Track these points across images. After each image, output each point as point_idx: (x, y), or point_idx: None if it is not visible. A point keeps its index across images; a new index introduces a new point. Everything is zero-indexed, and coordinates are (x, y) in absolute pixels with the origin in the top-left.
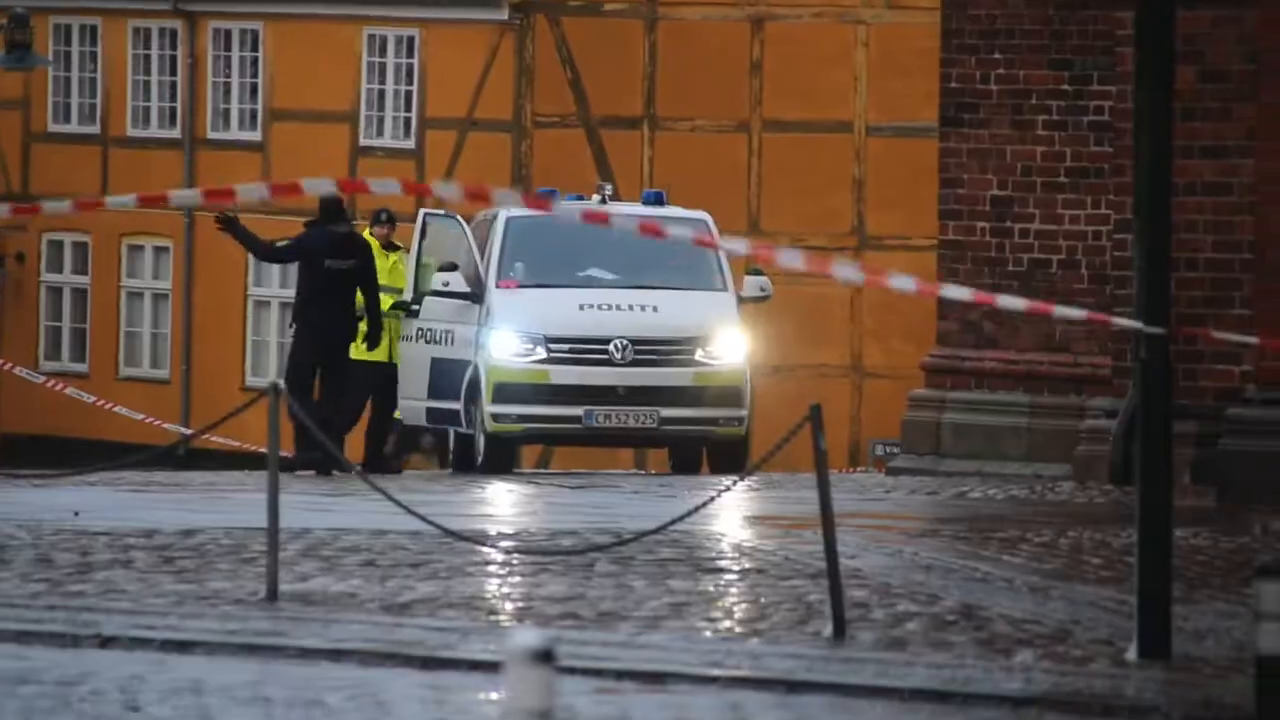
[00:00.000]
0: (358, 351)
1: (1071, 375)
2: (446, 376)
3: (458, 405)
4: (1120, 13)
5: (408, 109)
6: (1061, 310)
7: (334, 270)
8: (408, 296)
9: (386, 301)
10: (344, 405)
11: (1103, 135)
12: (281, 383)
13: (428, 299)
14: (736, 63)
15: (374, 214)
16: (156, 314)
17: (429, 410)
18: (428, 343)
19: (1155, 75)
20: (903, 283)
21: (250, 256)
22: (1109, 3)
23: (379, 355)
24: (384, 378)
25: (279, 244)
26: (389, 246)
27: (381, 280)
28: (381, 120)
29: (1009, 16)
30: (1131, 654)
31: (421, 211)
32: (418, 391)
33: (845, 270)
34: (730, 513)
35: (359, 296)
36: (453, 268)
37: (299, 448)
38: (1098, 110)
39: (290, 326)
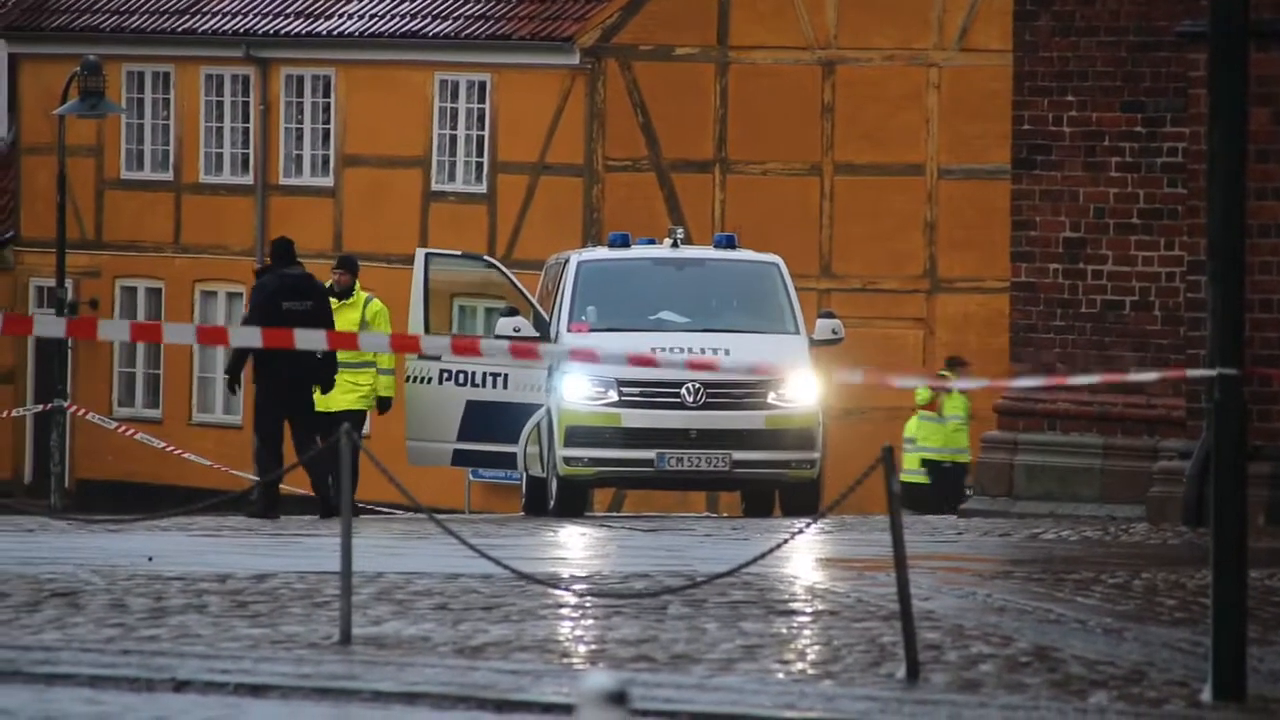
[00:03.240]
0: (321, 402)
1: (1145, 416)
2: (492, 419)
3: (513, 448)
4: (1193, 54)
5: (480, 154)
6: (1136, 375)
7: (292, 312)
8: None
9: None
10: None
11: (1176, 177)
12: (346, 428)
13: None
14: (808, 106)
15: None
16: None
17: (457, 453)
18: (459, 385)
19: (1228, 117)
20: (967, 384)
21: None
22: (1182, 44)
23: (357, 404)
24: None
25: (247, 322)
26: (345, 294)
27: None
28: (453, 165)
29: (1081, 58)
30: (1206, 695)
31: (422, 251)
32: (438, 434)
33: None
34: (803, 555)
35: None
36: (513, 312)
37: (261, 492)
38: (1171, 152)
39: (224, 377)
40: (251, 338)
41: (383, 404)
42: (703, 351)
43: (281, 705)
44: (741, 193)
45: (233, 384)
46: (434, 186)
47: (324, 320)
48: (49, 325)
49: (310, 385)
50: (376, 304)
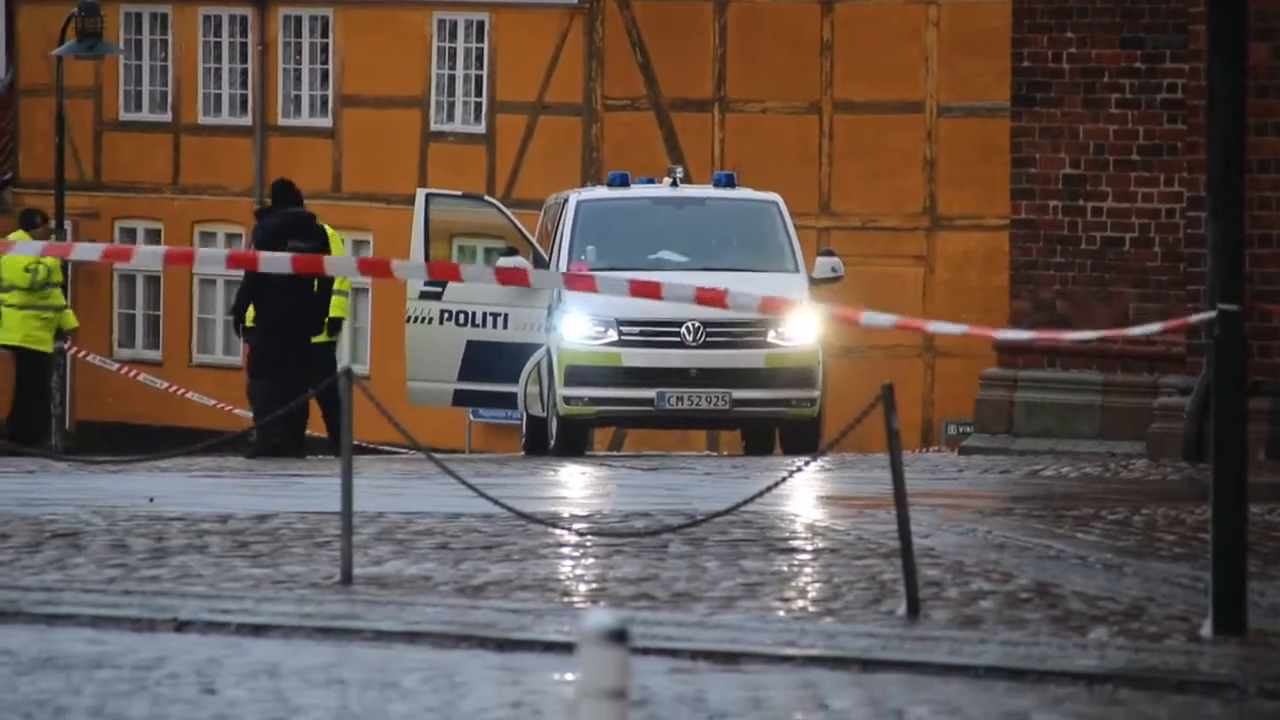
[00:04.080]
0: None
1: (1145, 353)
2: (492, 359)
3: (513, 388)
4: None
5: (478, 94)
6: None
7: (296, 251)
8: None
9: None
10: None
11: (1175, 113)
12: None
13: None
14: (807, 44)
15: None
16: (229, 300)
17: (458, 393)
18: (459, 325)
19: (1228, 52)
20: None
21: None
22: None
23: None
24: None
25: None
26: None
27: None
28: (452, 105)
29: None
30: (1206, 630)
31: (422, 192)
32: (439, 374)
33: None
34: (803, 493)
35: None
36: (513, 252)
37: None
38: (1170, 88)
39: (227, 318)
40: (281, 264)
41: (334, 326)
42: None
43: (283, 645)
44: (741, 131)
45: (238, 326)
46: (433, 127)
47: None
48: (85, 251)
49: (307, 327)
50: (329, 229)
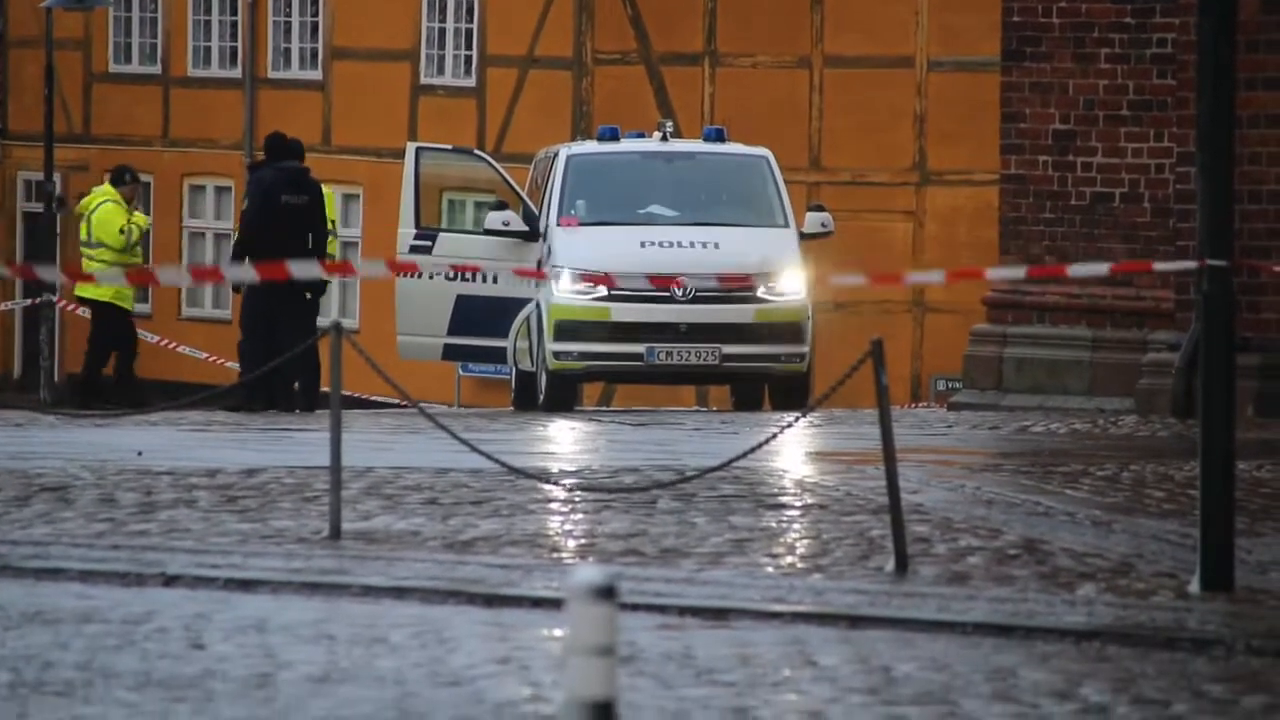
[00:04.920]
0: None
1: (1134, 309)
2: (483, 313)
3: (503, 343)
4: None
5: (469, 47)
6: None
7: (291, 206)
8: (408, 230)
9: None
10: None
11: (1165, 68)
12: (340, 321)
13: (447, 235)
14: None
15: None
16: (218, 254)
17: (447, 347)
18: (449, 279)
19: (1218, 6)
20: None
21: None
22: None
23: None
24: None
25: (246, 216)
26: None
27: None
28: (442, 59)
29: None
30: (1194, 587)
31: (413, 146)
32: (429, 328)
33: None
34: (792, 449)
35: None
36: (503, 206)
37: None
38: (1160, 43)
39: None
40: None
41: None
42: (692, 246)
43: (271, 600)
44: (731, 86)
45: (235, 284)
46: (423, 80)
47: (320, 215)
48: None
49: (302, 285)
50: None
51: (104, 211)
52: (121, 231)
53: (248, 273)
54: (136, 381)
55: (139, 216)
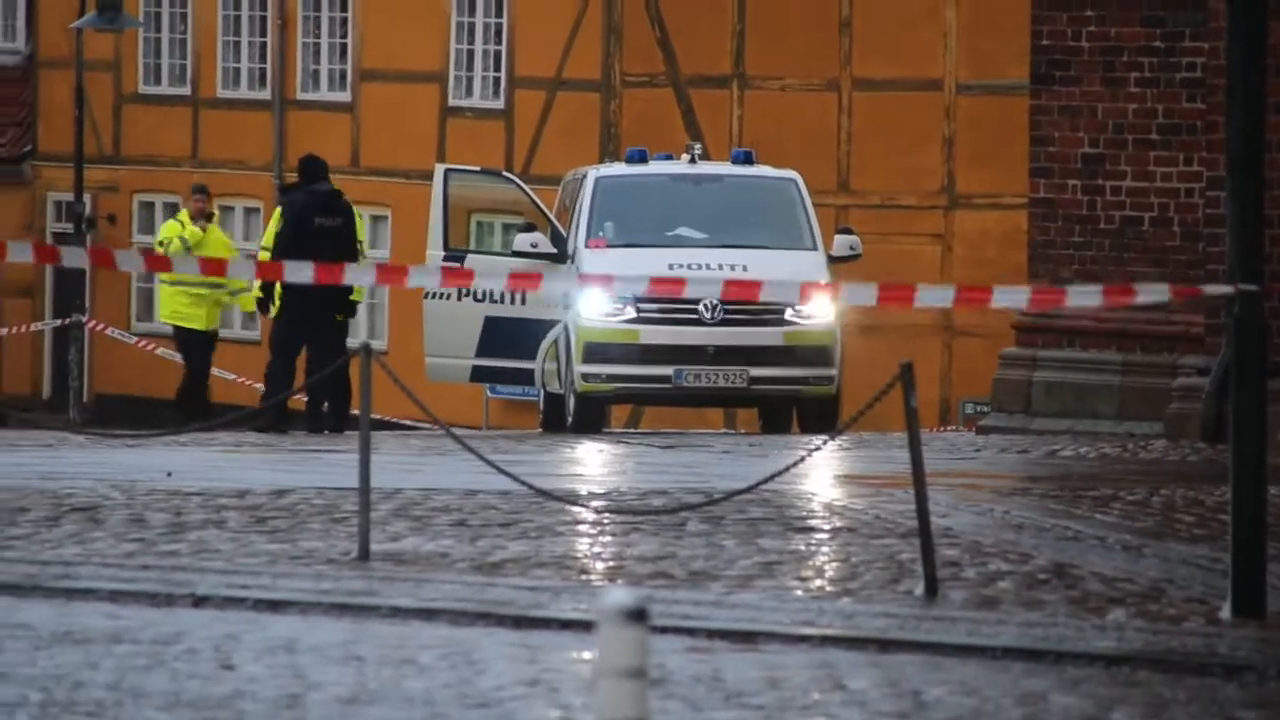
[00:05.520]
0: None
1: (1164, 333)
2: (511, 335)
3: (531, 365)
4: None
5: (497, 69)
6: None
7: (324, 228)
8: (437, 252)
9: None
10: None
11: (1195, 92)
12: (369, 343)
13: (475, 257)
14: (826, 21)
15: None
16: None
17: (475, 369)
18: (478, 301)
19: (1248, 31)
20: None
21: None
22: None
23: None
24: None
25: (280, 239)
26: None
27: (218, 252)
28: (471, 80)
29: None
30: (1225, 612)
31: (441, 167)
32: (457, 350)
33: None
34: (821, 472)
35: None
36: (531, 228)
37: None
38: (1190, 67)
39: (255, 288)
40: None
41: (352, 305)
42: (720, 268)
43: (300, 621)
44: (759, 108)
45: (265, 304)
46: (451, 102)
47: (352, 237)
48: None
49: (333, 307)
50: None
51: (164, 227)
52: (161, 244)
53: (296, 272)
54: (195, 404)
55: (190, 230)
